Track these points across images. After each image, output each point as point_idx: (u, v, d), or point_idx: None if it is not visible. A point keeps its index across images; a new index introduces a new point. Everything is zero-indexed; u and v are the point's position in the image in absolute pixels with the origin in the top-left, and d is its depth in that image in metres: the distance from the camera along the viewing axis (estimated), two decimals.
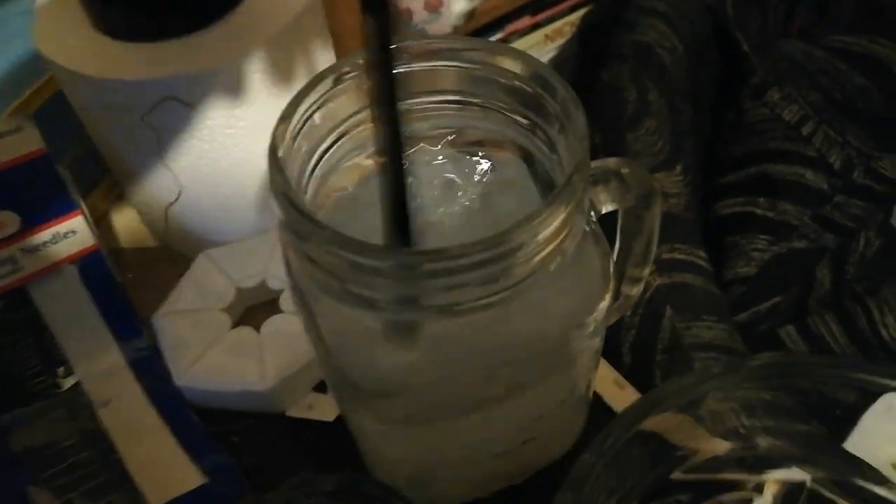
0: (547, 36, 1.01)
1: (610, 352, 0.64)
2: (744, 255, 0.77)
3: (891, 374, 0.22)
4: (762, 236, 0.77)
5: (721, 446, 0.24)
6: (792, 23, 0.85)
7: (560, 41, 1.03)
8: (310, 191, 0.23)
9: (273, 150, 0.21)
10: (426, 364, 0.22)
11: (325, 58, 0.37)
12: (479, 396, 0.23)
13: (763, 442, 0.25)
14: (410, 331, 0.21)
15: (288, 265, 0.23)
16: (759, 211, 0.77)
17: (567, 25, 1.02)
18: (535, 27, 0.98)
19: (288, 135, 0.21)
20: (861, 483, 0.23)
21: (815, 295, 0.76)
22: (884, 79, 0.77)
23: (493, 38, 0.94)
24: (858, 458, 0.25)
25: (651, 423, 0.23)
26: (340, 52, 0.39)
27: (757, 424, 0.26)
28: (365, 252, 0.19)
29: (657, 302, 0.64)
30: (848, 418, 0.25)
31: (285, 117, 0.21)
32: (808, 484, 0.23)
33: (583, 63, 1.05)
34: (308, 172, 0.23)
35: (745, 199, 0.79)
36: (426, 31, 0.79)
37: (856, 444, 0.25)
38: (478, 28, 0.88)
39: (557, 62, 1.05)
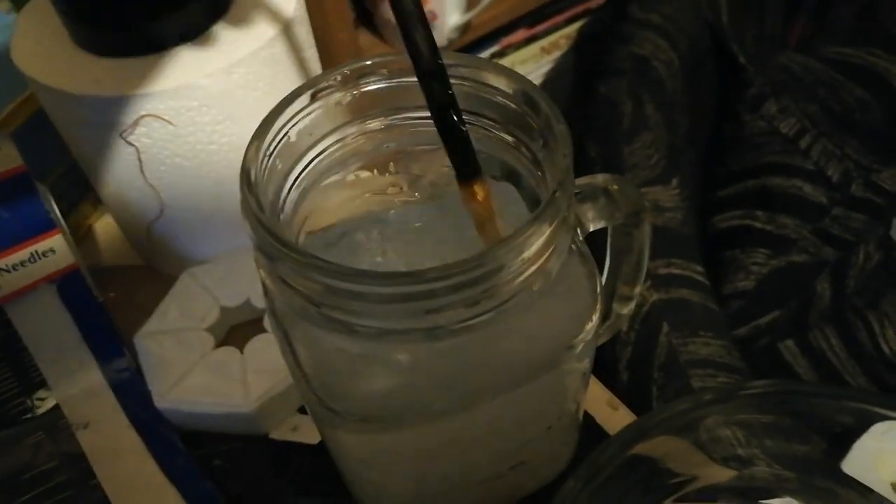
0: (543, 48, 1.01)
1: (606, 369, 0.63)
2: (742, 268, 0.76)
3: (887, 404, 0.21)
4: (761, 250, 0.76)
5: (722, 474, 0.23)
6: (790, 34, 0.85)
7: (556, 54, 1.03)
8: (287, 209, 0.23)
9: (245, 170, 0.20)
10: (407, 389, 0.21)
11: (310, 70, 0.36)
12: (462, 421, 0.22)
13: (760, 470, 0.24)
14: (408, 357, 0.20)
15: (264, 287, 0.23)
16: (757, 224, 0.77)
17: (563, 38, 1.02)
18: (531, 40, 0.98)
19: (261, 154, 0.20)
20: None
21: (814, 309, 0.75)
22: (882, 91, 0.76)
23: (489, 51, 0.94)
24: (855, 479, 0.24)
25: (646, 448, 0.22)
26: (326, 65, 0.39)
27: (756, 447, 0.25)
28: (340, 276, 0.18)
29: (654, 318, 0.63)
30: (846, 437, 0.24)
31: (258, 136, 0.20)
32: None
33: (579, 75, 1.05)
34: (286, 191, 0.22)
35: (743, 212, 0.78)
36: None
37: (854, 464, 0.24)
38: (473, 41, 0.88)
39: (553, 75, 1.05)
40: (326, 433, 0.25)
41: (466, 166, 0.22)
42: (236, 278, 0.37)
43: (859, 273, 0.73)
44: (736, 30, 0.79)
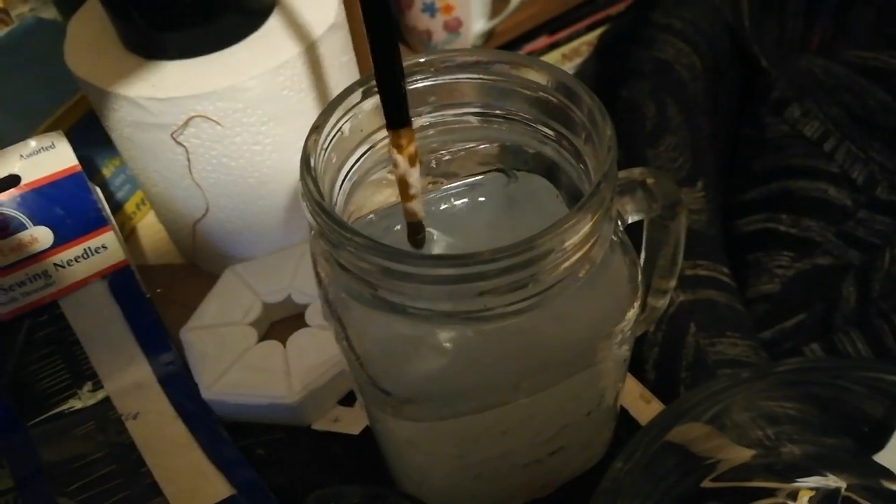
0: (564, 55, 1.02)
1: (634, 368, 0.63)
2: (767, 271, 0.77)
3: None
4: (785, 253, 0.76)
5: (744, 454, 0.24)
6: (811, 36, 0.85)
7: (578, 60, 1.04)
8: (339, 202, 0.24)
9: (306, 159, 0.21)
10: (456, 370, 0.22)
11: (349, 74, 0.37)
12: (507, 403, 0.23)
13: (790, 450, 0.25)
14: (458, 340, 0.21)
15: (318, 275, 0.24)
16: (781, 227, 0.77)
17: (584, 45, 1.03)
18: (553, 46, 0.99)
19: (320, 145, 0.21)
20: None
21: (840, 312, 0.75)
22: None
23: None
24: (889, 469, 0.24)
25: (676, 434, 0.23)
26: (364, 69, 0.40)
27: (784, 437, 0.25)
28: (397, 258, 0.19)
29: (681, 318, 0.63)
30: (877, 434, 0.25)
31: (317, 127, 0.22)
32: (843, 492, 0.23)
33: (601, 81, 1.06)
34: (339, 184, 0.23)
35: (767, 215, 0.78)
36: None
37: (890, 456, 0.24)
38: (496, 48, 0.89)
39: None
40: (375, 416, 0.26)
41: (398, 114, 0.22)
42: (278, 275, 0.39)
43: (885, 276, 0.73)
44: (757, 33, 0.80)
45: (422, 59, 0.24)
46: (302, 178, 0.21)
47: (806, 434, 0.25)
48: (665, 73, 0.74)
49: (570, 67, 1.05)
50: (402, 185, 0.22)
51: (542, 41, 0.99)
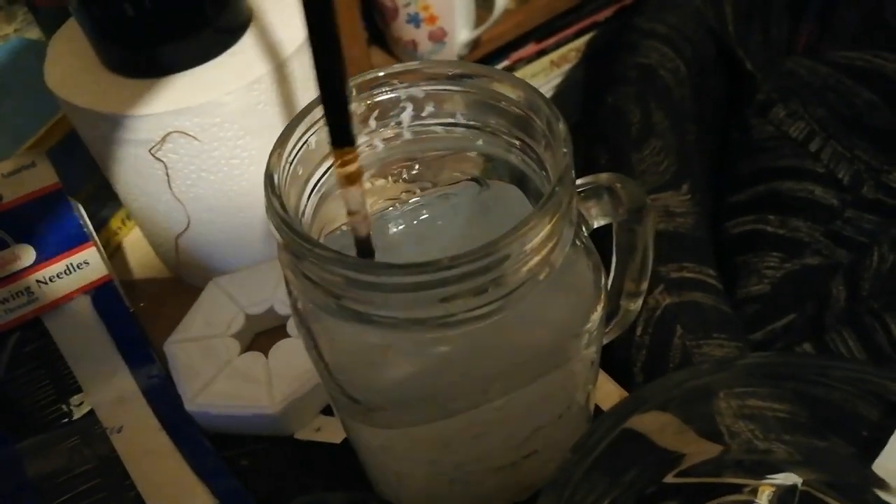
0: (552, 62, 1.03)
1: (622, 371, 0.64)
2: (756, 272, 0.77)
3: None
4: (774, 253, 0.77)
5: (711, 449, 0.24)
6: (797, 38, 0.86)
7: (566, 67, 1.05)
8: (307, 213, 0.24)
9: (269, 175, 0.21)
10: (423, 376, 0.23)
11: None
12: (476, 407, 0.23)
13: (765, 446, 0.25)
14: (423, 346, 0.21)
15: (288, 287, 0.24)
16: (769, 228, 0.77)
17: (572, 51, 1.04)
18: (541, 54, 1.00)
19: (283, 160, 0.22)
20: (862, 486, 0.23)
21: (830, 311, 0.75)
22: (890, 93, 0.77)
23: (500, 66, 0.95)
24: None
25: (637, 423, 0.23)
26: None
27: (760, 434, 0.25)
28: (359, 268, 0.19)
29: (667, 321, 0.64)
30: (876, 438, 0.24)
31: (280, 143, 0.22)
32: (800, 486, 0.23)
33: (588, 87, 1.06)
34: (306, 196, 0.24)
35: (755, 216, 0.79)
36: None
37: (885, 465, 0.24)
38: (483, 56, 0.90)
39: (564, 87, 1.06)
40: (348, 424, 0.26)
41: (343, 134, 0.21)
42: (260, 287, 0.39)
43: (874, 275, 0.73)
44: (742, 36, 0.80)
45: (389, 71, 0.25)
46: (265, 192, 0.21)
47: (796, 436, 0.25)
48: (650, 79, 0.74)
49: (558, 74, 1.06)
50: (346, 202, 0.22)
51: (530, 48, 1.00)
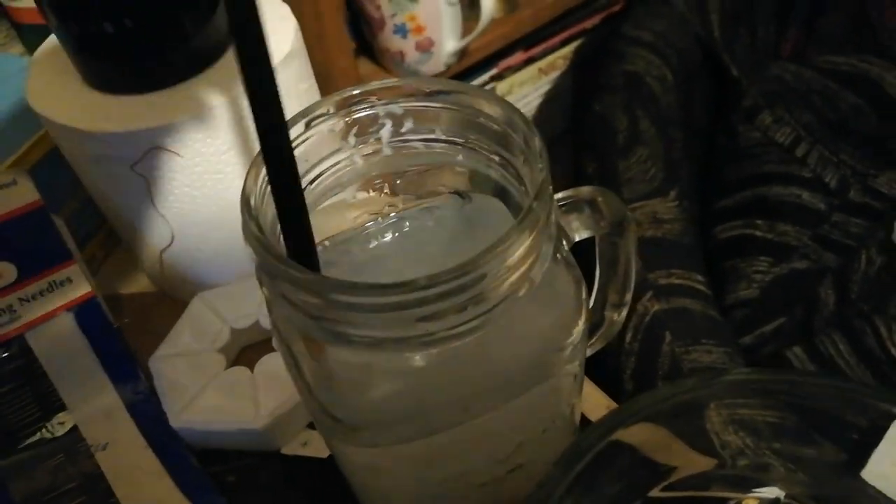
0: (541, 70, 1.03)
1: (611, 379, 0.64)
2: (745, 277, 0.77)
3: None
4: (762, 258, 0.77)
5: (701, 462, 0.24)
6: (783, 44, 0.86)
7: (554, 74, 1.05)
8: None
9: (245, 197, 0.21)
10: (404, 395, 0.23)
11: (309, 101, 0.38)
12: (459, 425, 0.23)
13: (755, 460, 0.25)
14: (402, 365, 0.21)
15: (268, 306, 0.24)
16: (758, 233, 0.78)
17: (560, 59, 1.04)
18: (529, 62, 1.00)
19: (259, 180, 0.22)
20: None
21: (819, 315, 0.76)
22: (875, 97, 0.78)
23: (488, 74, 0.96)
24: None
25: (624, 435, 0.23)
26: (324, 94, 0.41)
27: (764, 448, 0.25)
28: (335, 289, 0.19)
29: (656, 328, 0.64)
30: (866, 442, 0.24)
31: (256, 164, 0.22)
32: (783, 499, 0.23)
33: (576, 95, 1.07)
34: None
35: (743, 221, 0.79)
36: (420, 72, 0.81)
37: (873, 472, 0.24)
38: (471, 65, 0.90)
39: (552, 95, 1.07)
40: (331, 443, 0.26)
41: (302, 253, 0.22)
42: (245, 301, 0.39)
43: (862, 278, 0.74)
44: (728, 42, 0.81)
45: (367, 89, 0.25)
46: (242, 213, 0.21)
47: (787, 443, 0.25)
48: (636, 86, 0.75)
49: (546, 82, 1.06)
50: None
51: (518, 57, 1.00)
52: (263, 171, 0.22)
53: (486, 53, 0.88)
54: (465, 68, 0.86)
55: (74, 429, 0.36)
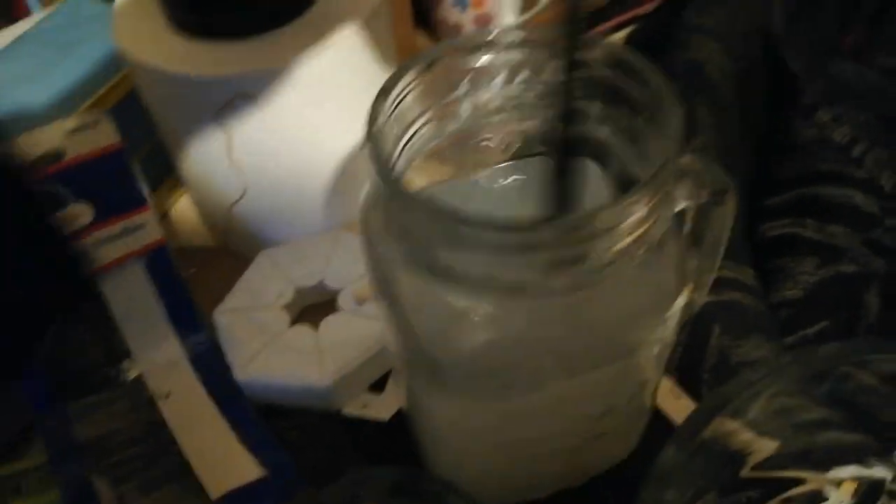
0: None
1: None
2: (791, 277, 0.76)
3: None
4: (810, 259, 0.76)
5: (770, 446, 0.24)
6: (844, 41, 0.84)
7: None
8: (398, 170, 0.24)
9: (372, 121, 0.21)
10: (509, 345, 0.22)
11: (390, 62, 0.37)
12: (556, 383, 0.23)
13: (823, 438, 0.25)
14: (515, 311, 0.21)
15: (369, 246, 0.23)
16: (806, 233, 0.76)
17: None
18: None
19: (385, 110, 0.21)
20: None
21: (863, 321, 0.74)
22: None
23: None
24: None
25: (710, 428, 0.23)
26: (402, 57, 0.40)
27: (813, 427, 0.25)
28: (464, 221, 0.19)
29: (705, 320, 0.63)
30: None
31: (385, 91, 0.22)
32: (889, 483, 0.23)
33: None
34: (395, 157, 0.23)
35: (792, 220, 0.78)
36: None
37: None
38: None
39: None
40: (417, 396, 0.26)
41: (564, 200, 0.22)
42: (310, 260, 0.39)
43: None
44: (790, 37, 0.79)
45: (490, 37, 0.24)
46: (368, 140, 0.21)
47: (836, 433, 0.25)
48: (696, 74, 0.73)
49: None
50: None
51: None
52: (390, 100, 0.21)
53: None
54: None
55: (139, 377, 0.36)
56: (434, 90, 0.23)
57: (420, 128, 0.24)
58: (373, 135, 0.20)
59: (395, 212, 0.20)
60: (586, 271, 0.20)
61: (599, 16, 0.97)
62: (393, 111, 0.22)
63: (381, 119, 0.21)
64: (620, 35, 1.03)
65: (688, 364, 0.63)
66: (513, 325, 0.22)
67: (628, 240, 0.20)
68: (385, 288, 0.23)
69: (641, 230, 0.20)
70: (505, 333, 0.22)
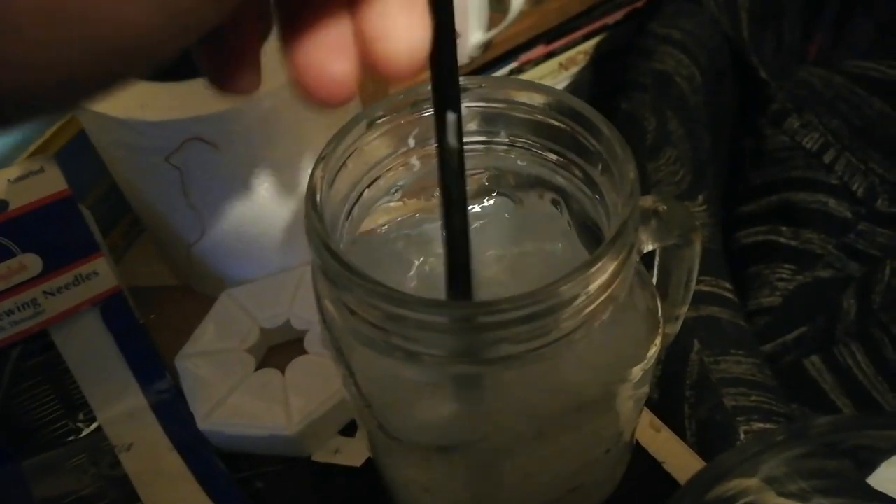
0: (561, 64, 1.01)
1: None
2: (767, 284, 0.76)
3: None
4: (786, 265, 0.76)
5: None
6: (808, 47, 0.85)
7: (574, 69, 1.03)
8: (344, 236, 0.23)
9: (311, 195, 0.20)
10: (472, 417, 0.21)
11: None
12: (524, 447, 0.22)
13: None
14: (475, 386, 0.20)
15: (322, 314, 0.23)
16: (782, 240, 0.76)
17: (581, 54, 1.02)
18: (550, 56, 0.98)
19: (326, 179, 0.20)
20: None
21: (840, 325, 0.74)
22: None
23: (508, 68, 0.94)
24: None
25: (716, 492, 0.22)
26: (365, 95, 0.39)
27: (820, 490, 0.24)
28: (413, 306, 0.18)
29: (684, 336, 0.62)
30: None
31: (324, 158, 0.20)
32: None
33: (598, 91, 1.05)
34: (342, 217, 0.22)
35: (767, 227, 0.78)
36: None
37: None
38: (494, 58, 0.88)
39: (571, 90, 1.05)
40: (383, 460, 0.25)
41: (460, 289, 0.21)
42: (275, 299, 0.37)
43: (885, 288, 0.72)
44: (756, 44, 0.79)
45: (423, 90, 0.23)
46: (307, 214, 0.20)
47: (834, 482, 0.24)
48: (665, 86, 0.73)
49: (566, 77, 1.04)
50: None
51: (539, 50, 0.98)
52: (330, 168, 0.20)
53: (508, 47, 0.86)
54: (489, 61, 0.84)
55: (98, 429, 0.34)
56: (379, 148, 0.22)
57: (367, 187, 0.23)
58: (312, 208, 0.19)
59: (339, 288, 0.19)
60: (552, 340, 0.19)
61: (569, 25, 0.96)
62: (335, 177, 0.21)
63: (320, 190, 0.20)
64: (590, 44, 1.02)
65: (668, 381, 0.62)
66: (476, 399, 0.21)
67: (595, 303, 0.19)
68: (338, 354, 0.22)
69: (607, 292, 0.19)
70: (467, 407, 0.21)
